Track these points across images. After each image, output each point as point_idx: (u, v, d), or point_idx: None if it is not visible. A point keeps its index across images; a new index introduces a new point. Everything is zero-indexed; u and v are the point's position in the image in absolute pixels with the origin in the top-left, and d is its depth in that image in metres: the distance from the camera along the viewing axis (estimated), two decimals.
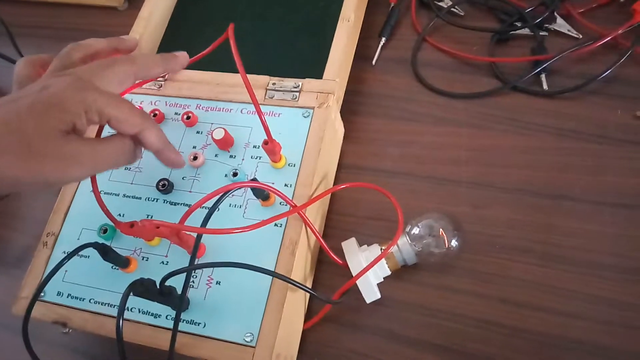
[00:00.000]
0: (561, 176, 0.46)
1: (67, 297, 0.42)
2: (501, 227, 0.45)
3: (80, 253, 0.42)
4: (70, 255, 0.37)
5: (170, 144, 0.39)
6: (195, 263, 0.38)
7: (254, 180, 0.39)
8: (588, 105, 0.48)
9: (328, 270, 0.46)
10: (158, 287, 0.35)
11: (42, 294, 0.42)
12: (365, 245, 0.44)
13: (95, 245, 0.38)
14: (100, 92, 0.34)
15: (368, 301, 0.42)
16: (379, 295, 0.42)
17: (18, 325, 0.39)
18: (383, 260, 0.42)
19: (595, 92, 0.49)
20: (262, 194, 0.40)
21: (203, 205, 0.36)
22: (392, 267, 0.43)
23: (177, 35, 0.57)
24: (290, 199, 0.41)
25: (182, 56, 0.43)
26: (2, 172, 0.30)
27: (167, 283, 0.36)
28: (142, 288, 0.33)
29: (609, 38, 0.49)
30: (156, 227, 0.36)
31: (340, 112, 0.50)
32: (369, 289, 0.41)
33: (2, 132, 0.31)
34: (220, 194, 0.36)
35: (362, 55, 0.56)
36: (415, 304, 0.44)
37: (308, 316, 0.45)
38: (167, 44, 0.56)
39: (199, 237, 0.36)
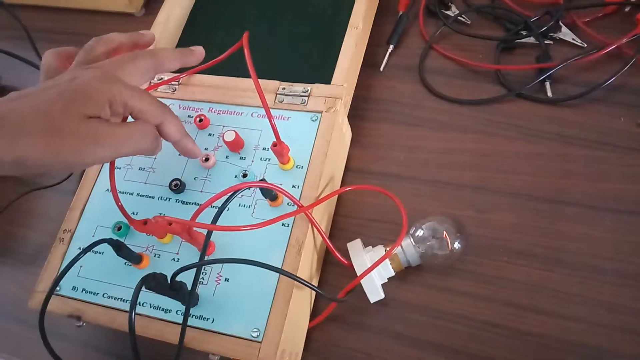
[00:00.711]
0: (564, 182, 0.47)
1: (82, 291, 0.43)
2: (504, 231, 0.46)
3: (95, 249, 0.44)
4: (85, 250, 0.38)
5: (188, 135, 0.42)
6: (205, 259, 0.39)
7: (263, 180, 0.40)
8: (591, 112, 0.49)
9: (334, 271, 0.48)
10: (169, 282, 0.37)
11: (57, 288, 0.44)
12: (370, 247, 0.45)
13: (109, 241, 0.39)
14: (125, 85, 0.36)
15: (372, 301, 0.43)
16: (382, 295, 0.43)
17: (33, 320, 0.41)
18: (387, 261, 0.43)
19: (599, 100, 0.50)
20: (270, 194, 0.41)
21: (213, 204, 0.38)
22: (396, 268, 0.44)
23: (192, 41, 0.58)
24: (298, 199, 0.42)
25: (198, 51, 0.44)
26: (25, 151, 0.32)
27: (178, 279, 0.37)
28: (154, 282, 0.35)
29: (613, 47, 0.49)
30: (168, 224, 0.37)
31: (348, 117, 0.51)
32: (373, 289, 0.42)
33: (30, 116, 0.33)
34: (230, 193, 0.37)
35: (370, 62, 0.57)
36: (418, 305, 0.45)
37: (314, 315, 0.46)
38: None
39: (209, 233, 0.38)
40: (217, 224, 0.38)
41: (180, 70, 0.51)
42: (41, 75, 0.40)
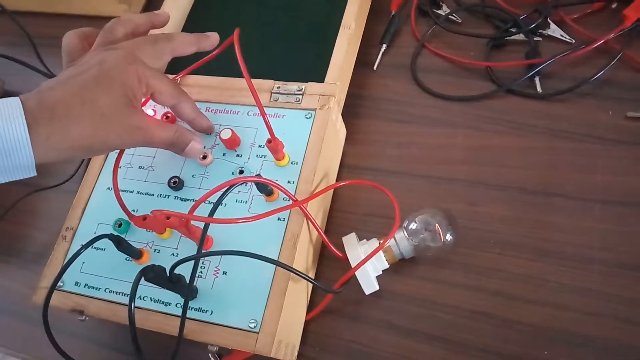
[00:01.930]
0: (553, 174, 0.48)
1: (84, 286, 0.45)
2: (495, 223, 0.47)
3: (96, 246, 0.46)
4: (86, 245, 0.40)
5: (202, 113, 0.46)
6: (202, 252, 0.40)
7: (258, 176, 0.41)
8: (580, 106, 0.50)
9: (330, 265, 0.49)
10: (168, 274, 0.38)
11: (60, 284, 0.45)
12: (365, 240, 0.46)
13: (109, 236, 0.40)
14: (147, 66, 0.39)
15: (367, 292, 0.44)
16: (377, 287, 0.44)
17: (38, 317, 0.41)
18: (381, 253, 0.44)
19: (588, 94, 0.51)
20: (265, 189, 0.42)
21: (211, 200, 0.39)
22: (390, 260, 0.45)
23: None
24: (293, 194, 0.43)
25: (213, 36, 0.46)
26: (78, 139, 0.35)
27: (177, 272, 0.38)
28: (153, 274, 0.36)
29: (600, 42, 0.51)
30: (167, 218, 0.39)
31: (343, 115, 0.52)
32: (368, 281, 0.43)
33: (75, 103, 0.35)
34: (226, 187, 0.38)
35: (364, 61, 0.58)
36: (412, 296, 0.46)
37: (310, 308, 0.47)
38: None
39: (206, 226, 0.39)
40: (213, 217, 0.39)
41: (175, 70, 0.52)
42: (63, 56, 0.42)
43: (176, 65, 0.52)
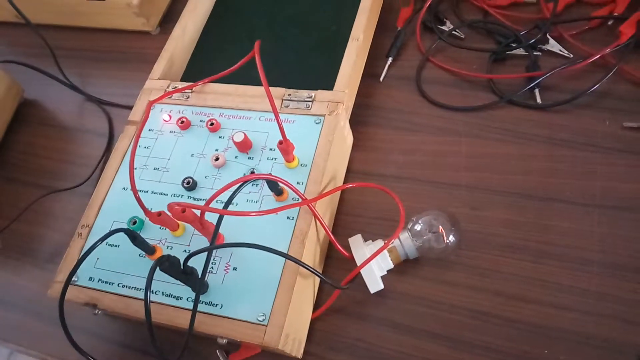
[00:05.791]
0: (553, 181, 0.50)
1: (98, 281, 0.46)
2: (497, 227, 0.48)
3: (110, 242, 0.47)
4: (103, 238, 0.41)
5: None
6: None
7: (269, 174, 0.43)
8: (578, 117, 0.52)
9: (336, 266, 0.50)
10: (182, 266, 0.40)
11: (75, 279, 0.46)
12: (370, 241, 0.47)
13: (125, 230, 0.42)
14: None
15: (372, 291, 0.45)
16: (382, 286, 0.45)
17: (49, 314, 0.42)
18: (386, 253, 0.46)
19: (585, 106, 0.53)
20: (276, 187, 0.44)
21: (223, 200, 0.40)
22: (394, 260, 0.46)
23: (205, 53, 0.63)
24: (302, 193, 0.45)
25: None
26: None
27: (190, 265, 0.40)
28: (168, 263, 0.38)
29: (597, 57, 0.53)
30: (182, 211, 0.40)
31: (350, 123, 0.54)
32: (373, 279, 0.45)
33: None
34: (240, 183, 0.40)
35: (371, 73, 0.61)
36: (416, 296, 0.47)
37: (316, 307, 0.48)
38: (196, 60, 0.63)
39: (220, 219, 0.41)
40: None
41: (194, 79, 0.55)
42: None
43: (197, 75, 0.55)
